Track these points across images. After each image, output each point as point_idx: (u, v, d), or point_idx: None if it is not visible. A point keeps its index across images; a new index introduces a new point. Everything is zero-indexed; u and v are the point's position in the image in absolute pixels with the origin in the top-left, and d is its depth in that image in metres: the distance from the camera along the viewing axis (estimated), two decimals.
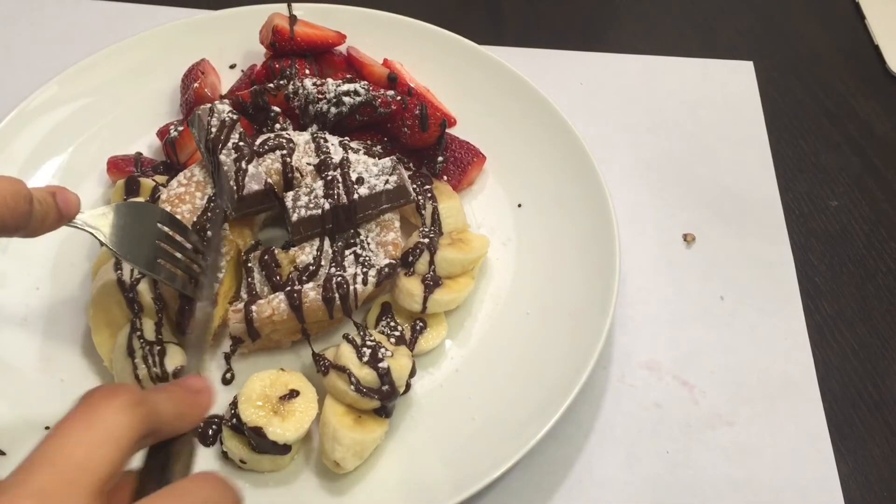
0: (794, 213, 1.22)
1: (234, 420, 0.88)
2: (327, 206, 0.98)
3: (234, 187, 0.97)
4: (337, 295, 0.94)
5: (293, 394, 0.89)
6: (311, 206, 0.99)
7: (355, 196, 0.98)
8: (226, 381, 0.98)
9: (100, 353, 0.95)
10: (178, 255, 0.91)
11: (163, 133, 1.16)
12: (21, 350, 0.98)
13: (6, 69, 1.33)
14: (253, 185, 0.98)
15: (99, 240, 0.84)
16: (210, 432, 0.93)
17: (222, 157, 0.97)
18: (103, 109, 1.20)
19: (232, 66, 1.29)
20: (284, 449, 0.87)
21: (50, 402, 0.94)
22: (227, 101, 1.07)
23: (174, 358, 0.91)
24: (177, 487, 0.51)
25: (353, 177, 1.00)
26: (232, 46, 1.29)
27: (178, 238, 0.92)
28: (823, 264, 1.17)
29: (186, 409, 0.57)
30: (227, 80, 1.27)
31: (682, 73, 1.40)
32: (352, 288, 0.95)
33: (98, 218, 0.84)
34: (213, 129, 0.99)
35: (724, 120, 1.33)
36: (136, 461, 0.56)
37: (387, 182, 1.00)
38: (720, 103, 1.36)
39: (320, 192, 0.99)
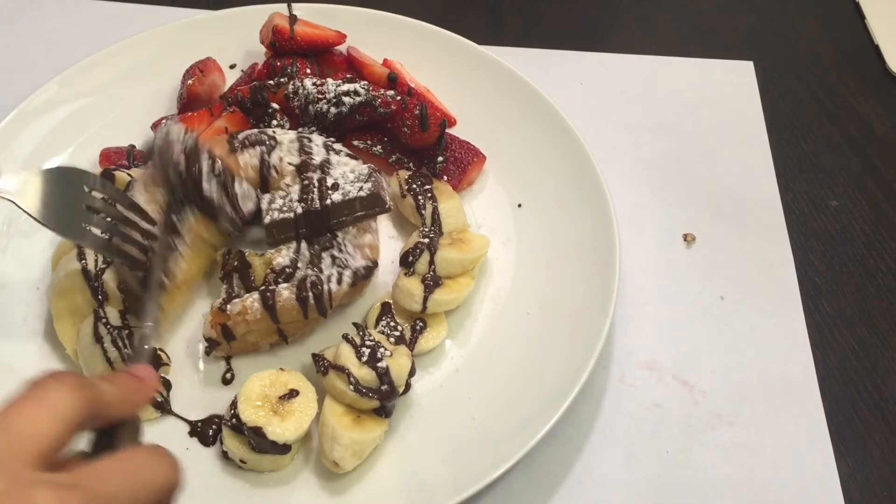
0: (794, 213, 1.22)
1: (234, 420, 0.88)
2: (300, 210, 0.98)
3: (235, 214, 0.99)
4: (311, 294, 0.94)
5: (293, 393, 0.89)
6: (285, 209, 0.99)
7: (328, 201, 0.98)
8: (226, 381, 0.98)
9: (62, 342, 0.95)
10: (112, 220, 0.86)
11: (156, 127, 1.16)
12: (21, 350, 0.98)
13: (6, 69, 1.33)
14: (249, 205, 1.00)
15: (20, 207, 0.77)
16: (210, 432, 0.93)
17: (206, 191, 0.95)
18: (103, 109, 1.20)
19: (232, 66, 1.29)
20: (284, 449, 0.87)
21: None
22: (177, 118, 1.02)
23: None
24: (118, 454, 0.56)
25: (329, 182, 1.00)
26: (232, 46, 1.29)
27: (119, 208, 0.87)
28: (823, 264, 1.17)
29: (130, 394, 0.62)
30: (226, 80, 1.27)
31: (682, 73, 1.40)
32: (325, 287, 0.95)
33: (20, 184, 0.78)
34: (183, 164, 0.93)
35: (724, 120, 1.33)
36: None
37: (361, 189, 0.99)
38: (720, 103, 1.36)
39: (295, 196, 0.99)
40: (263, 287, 0.95)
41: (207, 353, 0.98)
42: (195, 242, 0.99)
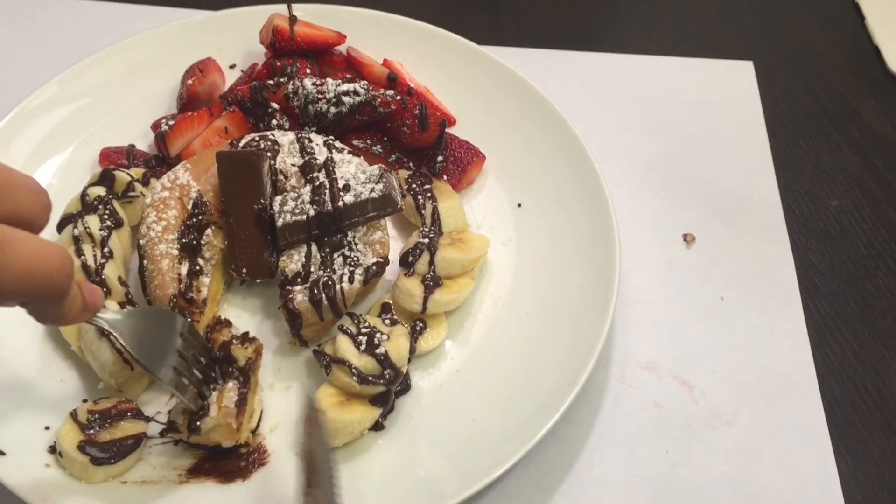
0: (794, 213, 1.22)
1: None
2: (312, 212, 0.98)
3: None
4: (324, 296, 0.94)
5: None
6: (297, 211, 0.99)
7: (340, 203, 0.98)
8: None
9: (67, 339, 0.95)
10: (194, 369, 0.87)
11: (155, 126, 1.16)
12: (21, 350, 0.98)
13: (6, 69, 1.33)
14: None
15: (119, 342, 0.82)
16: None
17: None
18: (103, 109, 1.20)
19: (232, 67, 1.29)
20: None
21: (50, 402, 0.94)
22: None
23: None
24: None
25: (340, 184, 1.00)
26: (232, 47, 1.29)
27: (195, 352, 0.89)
28: (823, 264, 1.17)
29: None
30: (226, 80, 1.27)
31: (682, 74, 1.40)
32: (338, 287, 0.95)
33: (120, 319, 0.81)
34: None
35: (724, 120, 1.34)
36: None
37: (372, 190, 0.99)
38: (720, 103, 1.36)
39: (307, 198, 0.99)
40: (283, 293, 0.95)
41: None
42: (218, 260, 1.01)
